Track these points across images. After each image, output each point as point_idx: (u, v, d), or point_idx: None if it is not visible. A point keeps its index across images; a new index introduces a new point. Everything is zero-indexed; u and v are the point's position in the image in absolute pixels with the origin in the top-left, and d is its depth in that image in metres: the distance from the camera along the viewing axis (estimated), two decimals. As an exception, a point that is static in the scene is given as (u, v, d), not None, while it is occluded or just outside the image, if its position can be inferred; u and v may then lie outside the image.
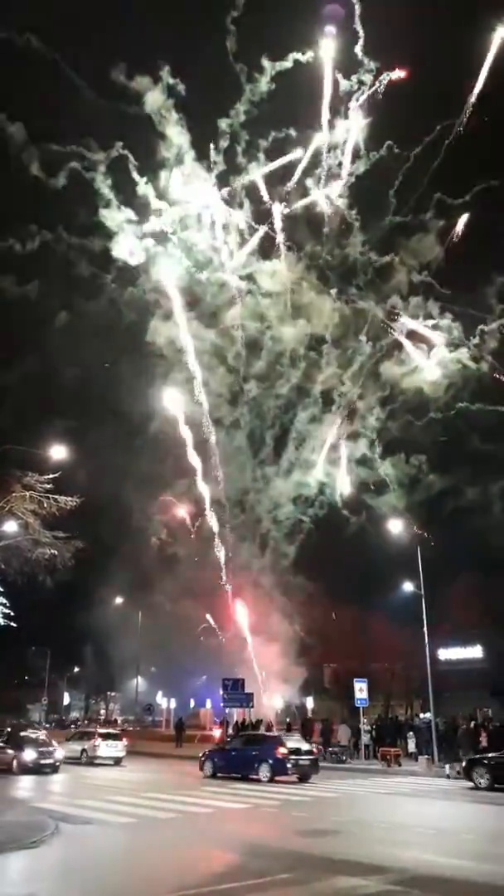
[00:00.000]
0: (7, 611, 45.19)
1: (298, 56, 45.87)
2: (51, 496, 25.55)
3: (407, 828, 13.47)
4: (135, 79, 46.18)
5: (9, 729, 27.99)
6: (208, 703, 56.97)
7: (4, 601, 44.35)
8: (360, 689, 30.60)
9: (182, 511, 51.18)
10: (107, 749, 27.78)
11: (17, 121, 45.07)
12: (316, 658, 51.66)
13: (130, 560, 51.90)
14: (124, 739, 29.47)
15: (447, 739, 28.94)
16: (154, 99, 47.07)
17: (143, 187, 48.28)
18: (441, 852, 11.07)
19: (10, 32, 42.85)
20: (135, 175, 48.04)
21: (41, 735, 27.05)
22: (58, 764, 24.25)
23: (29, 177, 45.71)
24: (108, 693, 78.88)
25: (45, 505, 25.46)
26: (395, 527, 33.97)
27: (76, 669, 72.12)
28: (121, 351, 49.76)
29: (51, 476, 25.85)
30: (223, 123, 48.11)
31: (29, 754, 23.82)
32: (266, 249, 51.10)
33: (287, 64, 46.02)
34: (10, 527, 25.95)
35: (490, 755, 21.13)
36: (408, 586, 32.64)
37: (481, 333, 47.82)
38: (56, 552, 26.38)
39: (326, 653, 52.28)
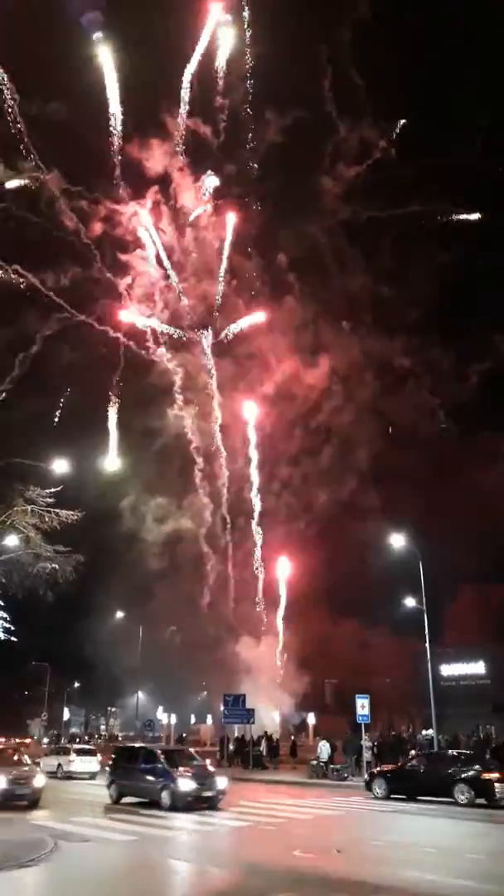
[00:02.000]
0: (7, 625, 45.07)
1: (299, 113, 49.25)
2: (52, 510, 25.61)
3: (408, 846, 13.31)
4: (149, 143, 49.29)
5: (148, 744, 23.88)
6: (209, 719, 56.56)
7: (5, 615, 44.31)
8: (362, 706, 30.18)
9: (184, 523, 51.60)
10: (81, 764, 28.78)
11: (53, 169, 48.06)
12: (317, 674, 51.38)
13: (132, 575, 52.05)
14: (98, 755, 30.14)
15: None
16: (165, 154, 50.20)
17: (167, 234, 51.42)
18: (443, 872, 10.92)
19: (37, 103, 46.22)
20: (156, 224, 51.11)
21: (196, 757, 20.64)
22: (220, 797, 17.92)
23: (63, 222, 48.83)
24: (109, 708, 78.33)
25: (47, 519, 25.52)
26: (397, 541, 33.82)
27: (76, 684, 71.59)
28: (133, 373, 50.97)
29: (52, 490, 25.95)
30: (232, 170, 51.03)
31: (185, 784, 17.19)
32: (276, 290, 53.93)
33: (286, 121, 49.40)
34: (12, 541, 25.99)
35: (387, 768, 23.03)
36: (409, 602, 32.45)
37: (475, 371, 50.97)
38: (57, 566, 26.39)
39: (327, 669, 51.98)
